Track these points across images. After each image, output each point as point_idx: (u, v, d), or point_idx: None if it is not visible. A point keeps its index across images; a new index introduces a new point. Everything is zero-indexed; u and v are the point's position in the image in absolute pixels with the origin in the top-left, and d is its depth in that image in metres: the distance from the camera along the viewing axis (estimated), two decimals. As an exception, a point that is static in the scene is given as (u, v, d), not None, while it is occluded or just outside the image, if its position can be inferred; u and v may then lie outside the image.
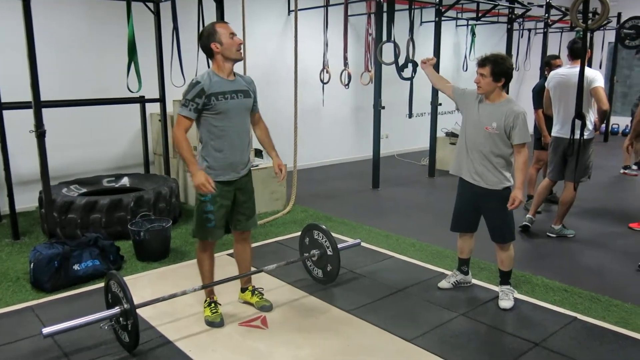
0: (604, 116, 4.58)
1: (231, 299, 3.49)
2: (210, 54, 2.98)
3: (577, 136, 4.32)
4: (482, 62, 3.20)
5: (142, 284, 3.80)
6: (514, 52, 9.18)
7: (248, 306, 3.41)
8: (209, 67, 3.10)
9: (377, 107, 6.58)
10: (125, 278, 3.87)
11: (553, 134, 4.81)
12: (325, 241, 3.63)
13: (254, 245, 4.55)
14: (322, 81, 7.35)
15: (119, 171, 6.14)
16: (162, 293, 3.22)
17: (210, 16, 4.61)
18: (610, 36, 10.93)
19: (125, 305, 2.76)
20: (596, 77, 4.50)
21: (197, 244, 3.21)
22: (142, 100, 5.63)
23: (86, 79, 5.74)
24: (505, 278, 3.48)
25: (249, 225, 3.27)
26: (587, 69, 4.48)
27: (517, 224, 4.92)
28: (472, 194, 3.41)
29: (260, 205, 5.57)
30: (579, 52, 4.59)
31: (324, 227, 3.65)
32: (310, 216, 5.50)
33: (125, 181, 5.57)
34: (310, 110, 7.98)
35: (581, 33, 4.13)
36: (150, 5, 5.29)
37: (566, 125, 4.58)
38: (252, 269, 3.53)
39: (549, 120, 5.08)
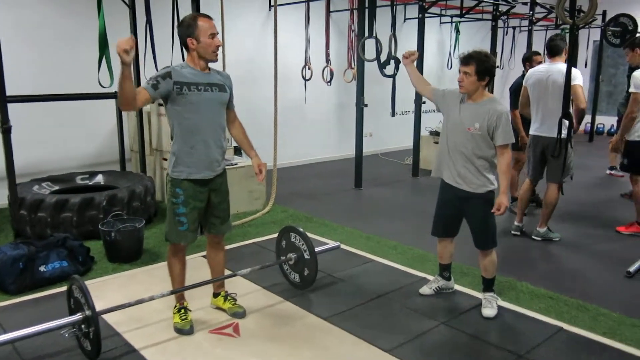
0: (581, 115, 4.53)
1: (203, 304, 3.34)
2: (185, 46, 2.83)
3: (564, 135, 4.24)
4: (466, 60, 3.08)
5: (111, 287, 3.64)
6: (498, 50, 9.10)
7: (220, 312, 3.26)
8: (183, 60, 2.94)
9: (360, 105, 6.45)
10: (94, 281, 3.78)
11: (531, 132, 4.72)
12: (303, 244, 3.49)
13: (230, 246, 4.44)
14: (304, 78, 7.20)
15: (95, 168, 5.94)
16: (132, 296, 3.09)
17: (185, 9, 4.44)
18: (595, 34, 10.91)
19: (87, 312, 2.61)
20: (576, 75, 4.42)
21: (169, 247, 3.05)
22: (117, 96, 5.43)
23: (61, 73, 5.54)
24: (488, 285, 3.38)
25: (223, 229, 3.13)
26: (564, 66, 4.44)
27: (504, 230, 4.88)
28: (453, 197, 3.30)
29: (239, 205, 5.44)
30: (558, 50, 4.54)
31: (301, 229, 3.51)
32: (290, 216, 5.36)
33: (99, 179, 5.40)
34: (292, 107, 7.84)
35: (567, 31, 4.03)
36: (126, -3, 5.10)
37: (545, 124, 4.52)
38: (227, 272, 3.39)
39: (524, 121, 5.02)
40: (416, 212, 5.61)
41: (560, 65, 4.50)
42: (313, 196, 6.29)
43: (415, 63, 3.54)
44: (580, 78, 4.43)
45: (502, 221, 5.06)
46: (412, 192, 6.70)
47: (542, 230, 4.77)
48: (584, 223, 5.28)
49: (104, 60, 3.96)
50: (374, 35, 5.40)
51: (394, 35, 5.33)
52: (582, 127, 11.75)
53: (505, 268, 3.94)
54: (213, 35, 2.79)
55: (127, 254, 4.09)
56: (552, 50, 4.61)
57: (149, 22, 4.36)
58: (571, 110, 4.48)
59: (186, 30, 2.77)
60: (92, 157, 6.06)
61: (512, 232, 4.87)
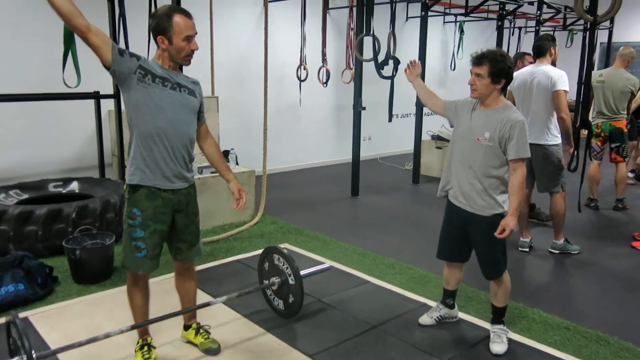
0: (563, 126, 4.13)
1: (173, 336, 2.93)
2: (156, 42, 2.41)
3: (552, 143, 3.89)
4: (478, 60, 2.66)
5: (71, 315, 3.23)
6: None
7: (191, 347, 2.84)
8: None
9: (357, 107, 6.04)
10: (53, 307, 3.34)
11: None
12: (287, 268, 3.08)
13: (211, 264, 4.05)
14: (299, 78, 6.79)
15: (72, 174, 5.54)
16: (93, 326, 2.78)
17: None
18: (603, 36, 10.49)
19: (24, 358, 2.19)
20: (560, 78, 4.07)
21: (128, 274, 2.64)
22: (96, 96, 5.03)
23: (36, 72, 5.12)
24: (498, 316, 2.95)
25: (192, 255, 2.71)
26: (551, 68, 4.13)
27: (510, 244, 4.46)
28: (457, 217, 2.89)
29: (224, 216, 5.03)
30: (543, 50, 4.20)
31: (285, 251, 3.10)
32: (279, 229, 4.95)
33: (74, 186, 4.98)
34: (287, 109, 7.43)
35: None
36: (104, -11, 4.69)
37: (530, 129, 4.10)
38: (204, 296, 2.97)
39: None
40: (416, 225, 5.19)
41: (545, 67, 4.17)
42: (306, 205, 5.87)
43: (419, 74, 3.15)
44: (564, 82, 4.07)
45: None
46: (412, 201, 6.27)
47: (560, 242, 4.39)
48: (597, 237, 4.87)
49: (69, 57, 3.55)
50: (372, 33, 4.98)
51: (392, 33, 4.91)
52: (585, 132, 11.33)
53: (514, 290, 3.51)
54: (189, 37, 2.38)
55: (94, 274, 3.68)
56: (538, 51, 4.26)
57: (122, 15, 3.94)
58: (553, 118, 4.14)
59: (157, 26, 2.36)
60: (69, 162, 5.65)
61: (520, 248, 4.45)
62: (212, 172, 4.94)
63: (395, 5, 4.98)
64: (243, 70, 6.76)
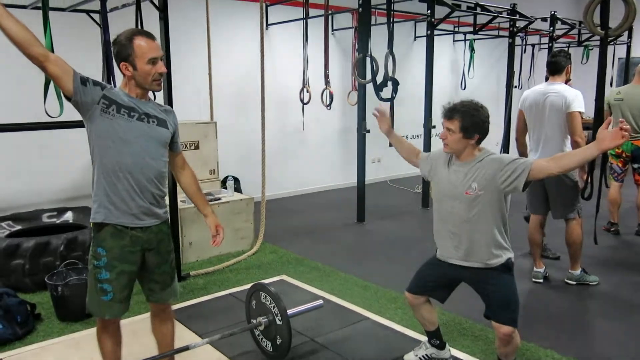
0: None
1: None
2: (120, 69, 2.26)
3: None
4: (449, 114, 2.46)
5: (49, 356, 3.04)
6: (516, 69, 8.44)
7: (168, 396, 2.64)
8: None
9: (362, 130, 5.84)
10: (30, 347, 3.13)
11: None
12: (274, 307, 2.86)
13: (202, 299, 3.84)
14: (302, 101, 6.63)
15: (68, 204, 5.41)
16: None
17: (149, 29, 3.90)
18: (621, 51, 10.19)
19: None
20: (575, 99, 3.82)
21: (97, 319, 2.45)
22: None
23: (28, 102, 5.03)
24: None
25: (166, 297, 2.51)
26: (566, 88, 3.87)
27: (522, 272, 4.20)
28: (457, 273, 2.65)
29: (222, 245, 4.79)
30: (559, 67, 3.95)
31: (271, 289, 2.88)
32: (279, 258, 4.73)
33: (68, 216, 4.85)
34: (291, 133, 7.27)
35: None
36: (96, 16, 4.60)
37: (543, 154, 3.89)
38: (189, 334, 2.76)
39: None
40: (423, 253, 4.82)
41: (559, 86, 3.91)
42: (309, 232, 5.66)
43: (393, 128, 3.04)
44: (580, 104, 3.82)
45: (520, 266, 4.39)
46: (420, 227, 6.01)
47: (577, 273, 4.10)
48: (619, 266, 4.55)
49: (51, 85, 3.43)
50: (369, 54, 4.80)
51: (391, 53, 4.72)
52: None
53: (525, 326, 3.26)
54: (154, 60, 2.21)
55: (78, 311, 3.49)
56: (553, 68, 3.99)
57: (107, 42, 3.82)
58: (567, 141, 3.90)
59: (119, 52, 2.20)
60: (67, 191, 5.53)
61: (533, 279, 4.17)
62: (208, 201, 4.76)
63: (393, 25, 4.79)
64: (244, 95, 6.63)
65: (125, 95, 2.25)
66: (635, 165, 5.22)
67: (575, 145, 3.86)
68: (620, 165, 5.28)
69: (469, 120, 2.42)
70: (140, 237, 2.33)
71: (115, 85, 4.09)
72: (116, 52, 2.22)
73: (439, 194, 2.66)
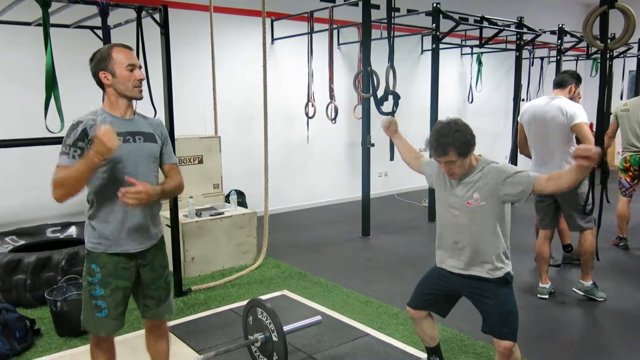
0: None
1: (145, 399, 2.69)
2: (101, 86, 2.27)
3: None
4: (441, 152, 2.40)
5: (45, 373, 3.03)
6: (524, 82, 8.39)
7: (162, 414, 2.61)
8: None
9: (366, 144, 5.82)
10: (27, 364, 3.18)
11: None
12: (270, 323, 2.83)
13: (202, 314, 3.84)
14: (307, 115, 6.63)
15: (73, 219, 5.43)
16: None
17: (153, 45, 3.94)
18: (631, 64, 10.11)
19: None
20: (577, 111, 3.80)
21: (90, 336, 2.43)
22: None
23: (31, 117, 5.09)
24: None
25: (161, 313, 2.49)
26: (567, 102, 3.86)
27: (525, 288, 4.14)
28: (457, 284, 2.62)
29: (224, 260, 4.82)
30: (564, 83, 3.99)
31: (268, 305, 2.85)
32: (281, 273, 4.70)
33: (72, 231, 4.88)
34: (296, 147, 7.27)
35: (599, 61, 3.37)
36: (100, 32, 4.64)
37: (547, 167, 3.84)
38: (186, 350, 2.74)
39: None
40: (428, 267, 4.84)
41: (561, 101, 3.89)
42: (313, 247, 5.62)
43: (399, 131, 3.03)
44: (583, 115, 3.82)
45: (525, 282, 4.31)
46: (425, 241, 5.94)
47: (587, 284, 4.04)
48: (627, 281, 4.46)
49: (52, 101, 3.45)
50: (369, 68, 4.79)
51: (392, 67, 4.71)
52: (618, 163, 10.84)
53: (529, 344, 3.20)
54: (132, 66, 2.24)
55: (77, 326, 3.42)
56: (557, 82, 4.05)
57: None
58: (572, 149, 3.85)
59: (98, 63, 2.23)
60: (71, 206, 5.51)
61: (539, 295, 4.10)
62: (211, 215, 4.76)
63: (393, 39, 4.78)
64: (249, 109, 6.65)
65: (108, 118, 2.23)
66: None
67: None
68: (628, 180, 5.20)
69: (461, 144, 2.39)
70: (136, 254, 2.32)
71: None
72: (95, 63, 2.24)
73: (441, 205, 2.63)
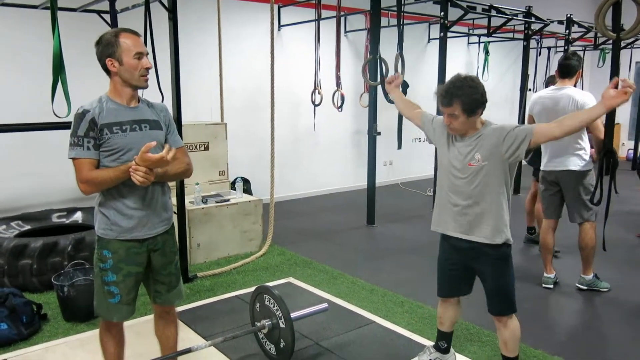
0: (602, 146, 3.79)
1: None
2: (106, 71, 2.25)
3: (581, 167, 3.72)
4: (448, 100, 2.38)
5: (52, 357, 3.04)
6: (531, 72, 8.34)
7: (170, 398, 2.62)
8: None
9: (372, 133, 5.80)
10: (35, 348, 3.14)
11: (542, 168, 4.07)
12: (277, 310, 2.83)
13: (207, 301, 3.83)
14: (313, 103, 6.60)
15: (79, 204, 5.43)
16: None
17: (160, 30, 3.90)
18: (638, 55, 10.04)
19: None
20: (587, 100, 3.77)
21: (100, 321, 2.44)
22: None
23: (38, 101, 5.08)
24: (508, 369, 2.64)
25: (172, 299, 2.49)
26: (575, 91, 3.82)
27: (529, 277, 4.14)
28: (460, 252, 2.62)
29: (230, 247, 4.82)
30: (571, 70, 3.90)
31: (275, 292, 2.85)
32: (287, 261, 4.71)
33: (77, 216, 4.88)
34: (303, 135, 7.26)
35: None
36: (107, 17, 4.62)
37: (556, 158, 3.88)
38: (193, 336, 2.74)
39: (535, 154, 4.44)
40: (431, 256, 4.78)
41: (570, 90, 3.86)
42: (318, 235, 5.63)
43: (400, 88, 2.99)
44: (592, 101, 3.76)
45: (531, 271, 4.31)
46: (430, 231, 5.93)
47: (588, 277, 4.03)
48: (635, 273, 4.45)
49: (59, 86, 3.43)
50: (378, 55, 4.75)
51: (400, 55, 4.67)
52: (624, 154, 10.81)
53: (534, 335, 3.20)
54: (140, 55, 2.21)
55: (84, 311, 3.49)
56: (564, 71, 3.94)
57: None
58: (585, 139, 3.86)
59: (105, 49, 2.19)
60: (77, 191, 5.43)
61: (544, 285, 4.10)
62: (217, 202, 4.75)
63: (402, 27, 4.74)
64: (256, 97, 6.63)
65: (111, 108, 2.22)
66: None
67: (598, 141, 3.79)
68: None
69: (469, 99, 2.35)
70: (147, 240, 2.32)
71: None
72: (101, 49, 2.21)
73: (442, 166, 2.61)
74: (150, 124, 2.30)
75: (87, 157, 2.16)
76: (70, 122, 2.21)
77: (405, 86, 4.69)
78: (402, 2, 4.66)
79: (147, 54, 2.26)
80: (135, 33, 2.25)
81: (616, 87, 2.21)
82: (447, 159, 2.56)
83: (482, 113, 2.45)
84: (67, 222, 4.79)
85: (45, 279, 3.93)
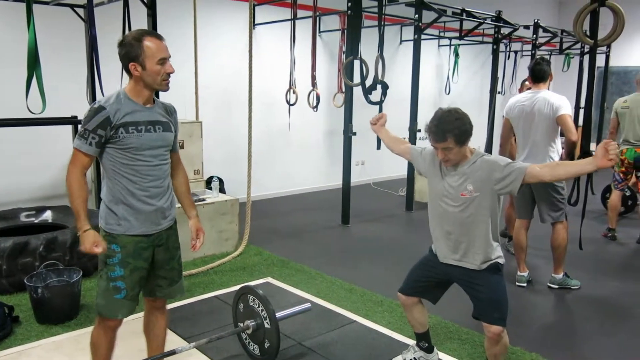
0: (572, 147, 3.95)
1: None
2: (127, 72, 2.22)
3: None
4: (441, 136, 2.42)
5: (27, 360, 2.95)
6: (500, 75, 8.51)
7: (154, 401, 2.57)
8: None
9: (348, 133, 5.82)
10: (7, 352, 3.06)
11: None
12: (262, 310, 2.82)
13: (187, 301, 3.77)
14: (288, 102, 6.59)
15: (48, 202, 5.29)
16: None
17: (139, 23, 3.83)
18: (600, 60, 10.35)
19: None
20: (562, 103, 3.89)
21: (97, 319, 2.38)
22: (74, 122, 4.80)
23: (11, 96, 4.92)
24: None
25: (173, 293, 2.50)
26: (551, 94, 3.93)
27: (511, 282, 4.23)
28: (450, 271, 2.65)
29: (206, 247, 4.76)
30: (544, 75, 4.01)
31: (260, 292, 2.83)
32: (264, 261, 4.69)
33: (47, 215, 4.73)
34: (277, 134, 7.23)
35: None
36: (80, 11, 4.51)
37: (530, 159, 3.92)
38: (176, 339, 2.70)
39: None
40: (408, 255, 4.84)
41: (545, 94, 3.97)
42: (294, 234, 5.62)
43: (385, 123, 3.05)
44: (567, 107, 3.91)
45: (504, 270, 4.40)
46: (404, 230, 6.03)
47: (559, 277, 4.15)
48: (605, 270, 4.60)
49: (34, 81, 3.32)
50: (359, 56, 4.78)
51: (381, 56, 4.71)
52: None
53: (510, 330, 3.25)
54: (163, 60, 2.19)
55: (58, 314, 3.40)
56: (537, 76, 4.04)
57: (92, 36, 3.72)
58: (557, 141, 3.98)
59: (128, 53, 2.16)
60: (46, 189, 5.40)
61: (517, 283, 4.20)
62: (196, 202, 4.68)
63: (383, 28, 4.79)
64: (230, 94, 6.58)
65: (129, 107, 2.21)
66: (639, 174, 5.30)
67: (571, 145, 3.90)
68: (621, 173, 5.34)
69: (460, 131, 2.41)
70: (153, 235, 2.34)
71: (101, 86, 4.03)
72: (124, 53, 2.18)
73: (433, 195, 2.64)
74: (163, 126, 2.31)
75: (85, 152, 2.17)
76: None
77: (385, 87, 4.74)
78: (383, 4, 4.69)
79: (170, 57, 2.22)
80: (159, 37, 2.22)
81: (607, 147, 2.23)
82: (439, 188, 2.59)
83: (469, 140, 2.50)
84: (36, 221, 4.65)
85: (15, 280, 3.81)
